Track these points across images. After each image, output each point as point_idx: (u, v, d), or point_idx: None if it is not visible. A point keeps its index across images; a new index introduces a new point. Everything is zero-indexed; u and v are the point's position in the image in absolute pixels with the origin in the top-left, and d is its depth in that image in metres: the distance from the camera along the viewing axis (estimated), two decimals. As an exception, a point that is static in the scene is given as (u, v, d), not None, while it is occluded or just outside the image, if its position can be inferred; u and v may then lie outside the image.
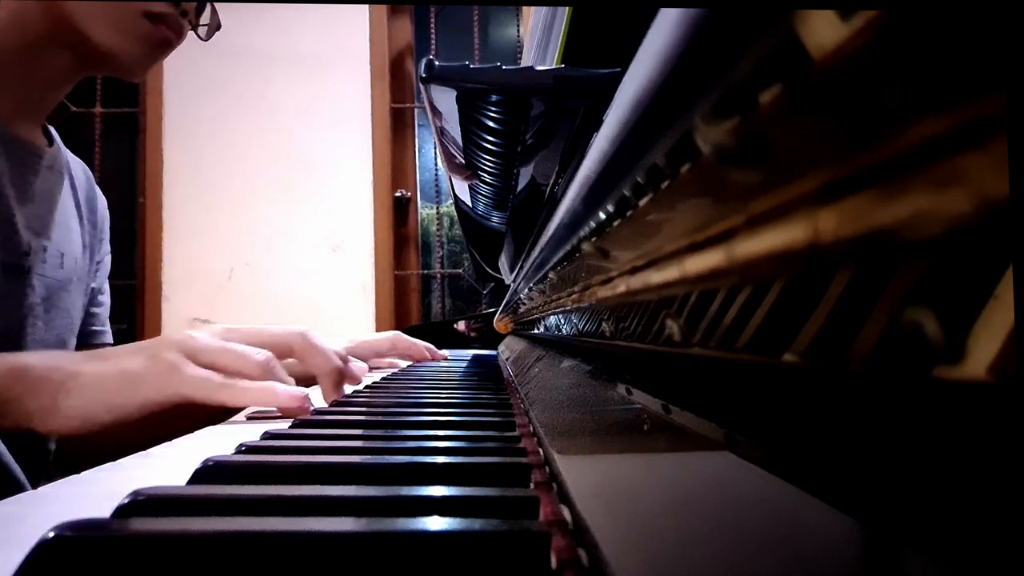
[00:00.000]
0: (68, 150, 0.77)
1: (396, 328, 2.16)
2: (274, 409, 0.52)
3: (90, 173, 0.81)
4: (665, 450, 0.19)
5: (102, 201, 0.82)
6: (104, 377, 0.48)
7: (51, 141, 0.72)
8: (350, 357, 0.76)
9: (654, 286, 0.20)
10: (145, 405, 0.48)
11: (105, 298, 0.83)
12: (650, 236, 0.20)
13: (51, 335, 0.69)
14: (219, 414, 0.52)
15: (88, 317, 0.79)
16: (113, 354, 0.51)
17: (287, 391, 0.48)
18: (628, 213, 0.21)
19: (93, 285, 0.80)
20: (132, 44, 0.64)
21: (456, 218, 1.76)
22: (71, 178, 0.76)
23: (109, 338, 0.84)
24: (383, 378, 0.80)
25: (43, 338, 0.68)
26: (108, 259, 0.84)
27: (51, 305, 0.69)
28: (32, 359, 0.50)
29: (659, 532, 0.16)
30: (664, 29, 0.16)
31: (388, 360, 1.05)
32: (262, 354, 0.51)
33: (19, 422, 0.48)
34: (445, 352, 1.19)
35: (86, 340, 0.80)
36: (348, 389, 0.63)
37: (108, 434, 0.49)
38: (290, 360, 0.58)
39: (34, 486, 0.61)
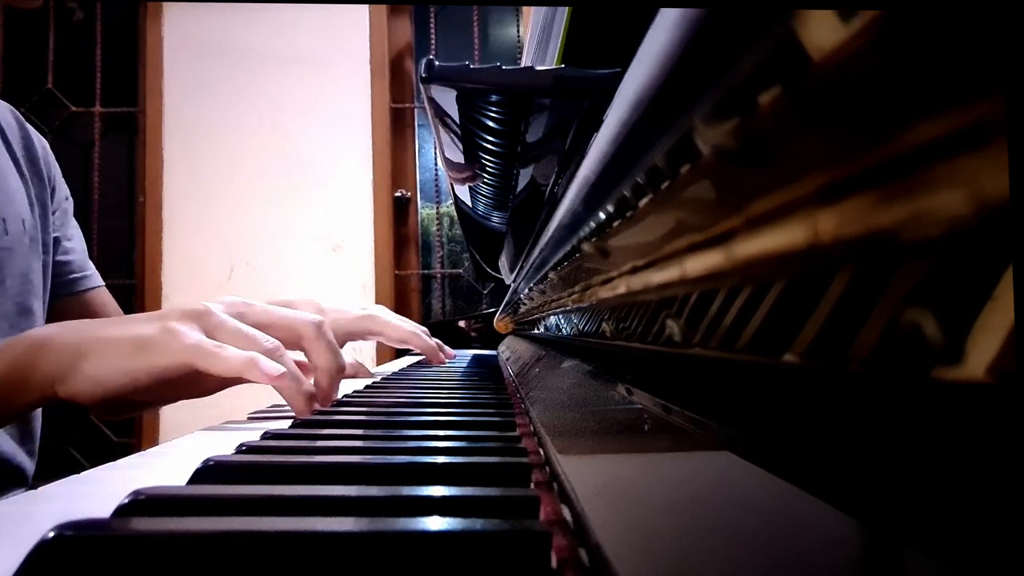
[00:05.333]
0: None
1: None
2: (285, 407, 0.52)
3: (19, 115, 0.76)
4: (665, 450, 0.19)
5: (40, 144, 0.76)
6: (119, 341, 0.49)
7: None
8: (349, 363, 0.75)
9: (654, 286, 0.20)
10: (152, 370, 0.48)
11: (74, 243, 0.79)
12: (650, 236, 0.20)
13: (9, 304, 0.67)
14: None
15: (61, 267, 0.76)
16: (134, 319, 0.51)
17: (266, 365, 0.48)
18: (628, 213, 0.21)
19: (56, 235, 0.76)
20: None
21: (456, 218, 1.76)
22: (1, 131, 0.71)
23: (97, 280, 0.81)
24: (383, 378, 0.80)
25: (2, 310, 0.66)
26: (69, 204, 0.80)
27: (3, 275, 0.67)
28: (55, 330, 0.51)
29: (659, 532, 0.16)
30: (664, 29, 0.16)
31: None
32: (270, 342, 0.51)
33: (44, 391, 0.49)
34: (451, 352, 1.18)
35: (70, 290, 0.77)
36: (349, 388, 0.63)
37: (133, 401, 0.50)
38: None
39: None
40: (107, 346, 0.49)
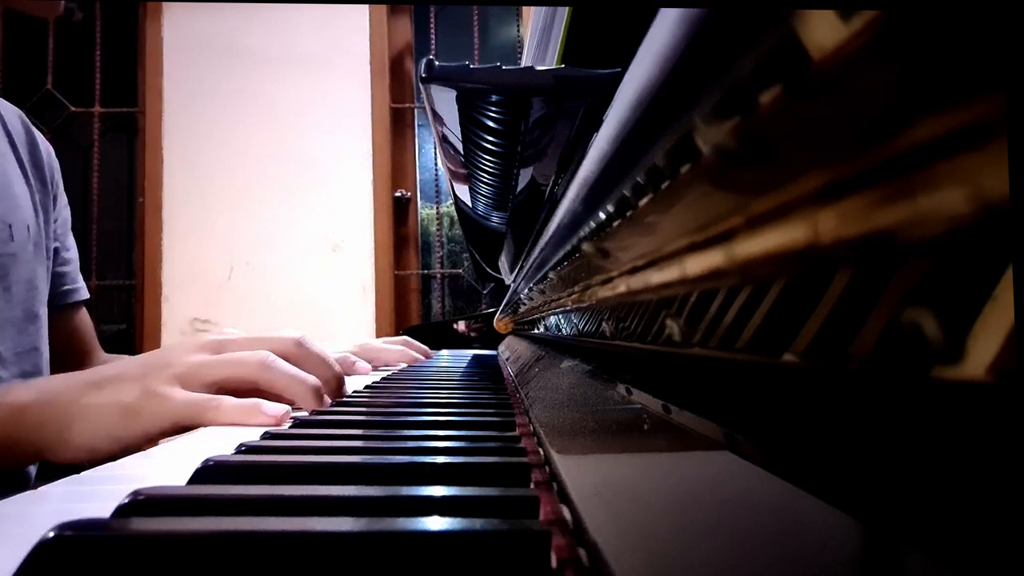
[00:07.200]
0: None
1: (395, 328, 2.16)
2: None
3: (25, 118, 0.75)
4: (665, 450, 0.19)
5: (45, 149, 0.76)
6: (103, 409, 0.48)
7: None
8: (354, 358, 0.76)
9: (654, 286, 0.20)
10: (147, 435, 0.48)
11: (71, 254, 0.79)
12: (650, 236, 0.20)
13: (17, 310, 0.67)
14: None
15: (56, 279, 0.76)
16: (109, 380, 0.50)
17: (270, 409, 0.48)
18: (628, 213, 0.21)
19: (56, 245, 0.75)
20: None
21: (456, 218, 1.76)
22: (8, 135, 0.70)
23: (84, 294, 0.81)
24: (383, 378, 0.80)
25: (10, 316, 0.66)
26: (67, 212, 0.79)
27: (9, 282, 0.66)
28: (28, 394, 0.49)
29: (659, 532, 0.16)
30: (664, 29, 0.16)
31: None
32: (258, 353, 0.51)
33: (31, 457, 0.49)
34: (444, 353, 1.20)
35: (61, 301, 0.77)
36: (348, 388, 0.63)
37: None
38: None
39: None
40: (94, 414, 0.48)
